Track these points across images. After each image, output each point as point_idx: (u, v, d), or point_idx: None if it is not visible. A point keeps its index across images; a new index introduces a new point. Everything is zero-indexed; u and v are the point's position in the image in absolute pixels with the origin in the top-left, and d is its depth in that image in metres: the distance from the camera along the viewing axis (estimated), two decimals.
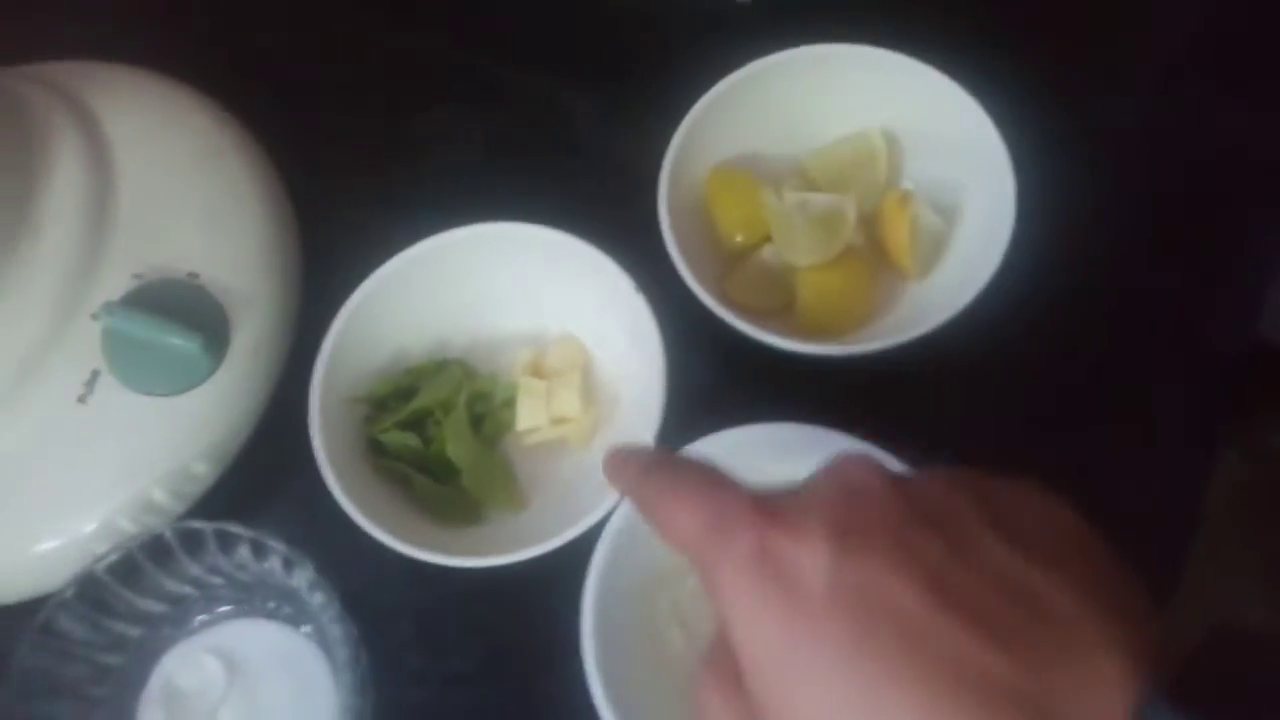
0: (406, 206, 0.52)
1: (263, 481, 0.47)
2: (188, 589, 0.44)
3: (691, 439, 0.39)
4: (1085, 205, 0.46)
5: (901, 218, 0.44)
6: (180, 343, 0.43)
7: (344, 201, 0.52)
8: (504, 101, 0.54)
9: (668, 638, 0.41)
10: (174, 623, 0.44)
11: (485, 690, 0.43)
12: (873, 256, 0.45)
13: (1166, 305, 0.46)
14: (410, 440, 0.43)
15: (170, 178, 0.48)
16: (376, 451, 0.44)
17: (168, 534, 0.41)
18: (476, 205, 0.46)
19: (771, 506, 0.23)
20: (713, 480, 0.25)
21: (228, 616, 0.45)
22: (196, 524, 0.40)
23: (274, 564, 0.41)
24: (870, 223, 0.46)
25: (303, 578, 0.40)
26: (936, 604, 0.20)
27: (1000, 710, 0.19)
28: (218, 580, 0.44)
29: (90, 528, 0.44)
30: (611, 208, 0.46)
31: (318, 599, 0.40)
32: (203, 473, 0.45)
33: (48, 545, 0.44)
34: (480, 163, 0.53)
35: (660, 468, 0.26)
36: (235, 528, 0.40)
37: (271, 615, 0.44)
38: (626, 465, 0.28)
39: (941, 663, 0.19)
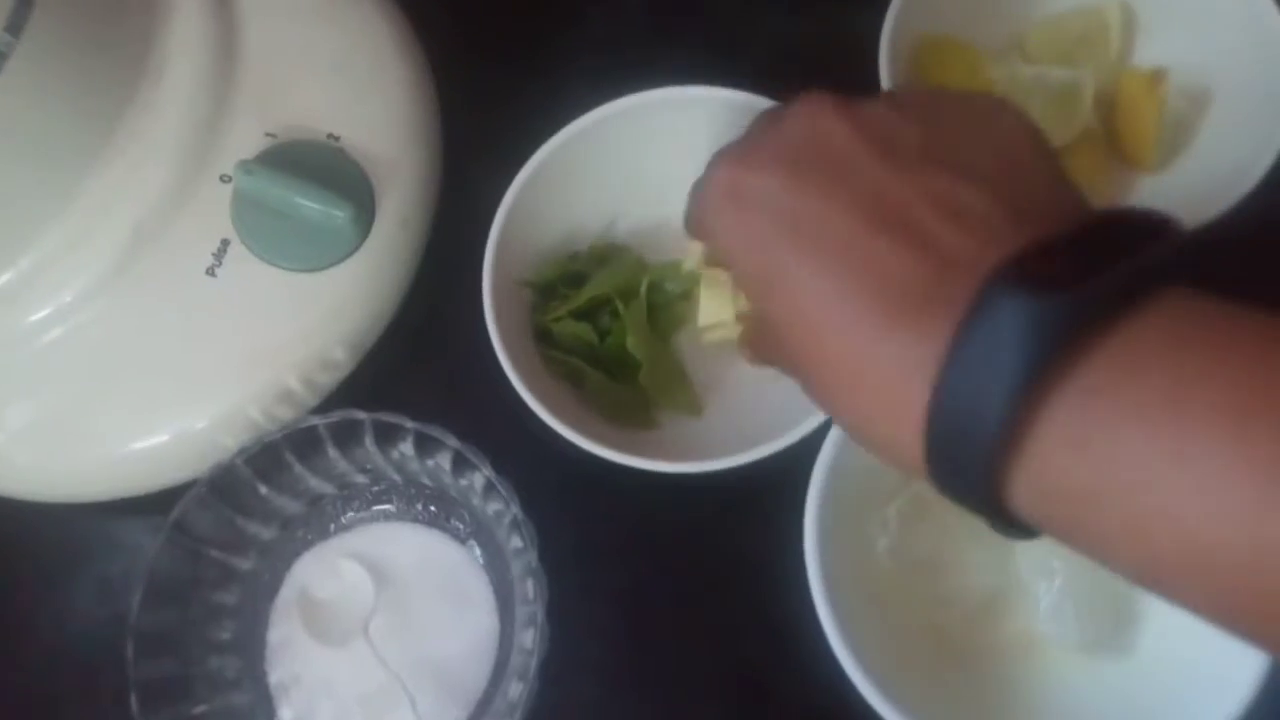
0: (553, 73, 0.46)
1: (397, 373, 0.42)
2: (329, 487, 0.39)
3: None
4: None
5: (1150, 101, 0.38)
6: (325, 211, 0.38)
7: (482, 68, 0.46)
8: None
9: (875, 558, 0.37)
10: (310, 524, 0.40)
11: (651, 605, 0.39)
12: (1106, 143, 0.40)
13: None
14: (585, 331, 0.38)
15: (300, 24, 0.42)
16: (545, 342, 0.39)
17: (320, 425, 0.36)
18: (631, 81, 0.40)
19: (741, 151, 0.27)
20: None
21: (371, 519, 0.40)
22: (356, 414, 0.36)
23: (441, 462, 0.36)
24: (1106, 104, 0.40)
25: (476, 479, 0.35)
26: (867, 220, 0.23)
27: (908, 303, 0.22)
28: (361, 479, 0.39)
29: (216, 417, 0.39)
30: (807, 77, 0.40)
31: (493, 504, 0.35)
32: (341, 359, 0.40)
33: (168, 434, 0.39)
34: (637, 30, 0.47)
35: None
36: (399, 419, 0.35)
37: (420, 519, 0.40)
38: None
39: (868, 272, 0.23)
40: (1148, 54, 0.42)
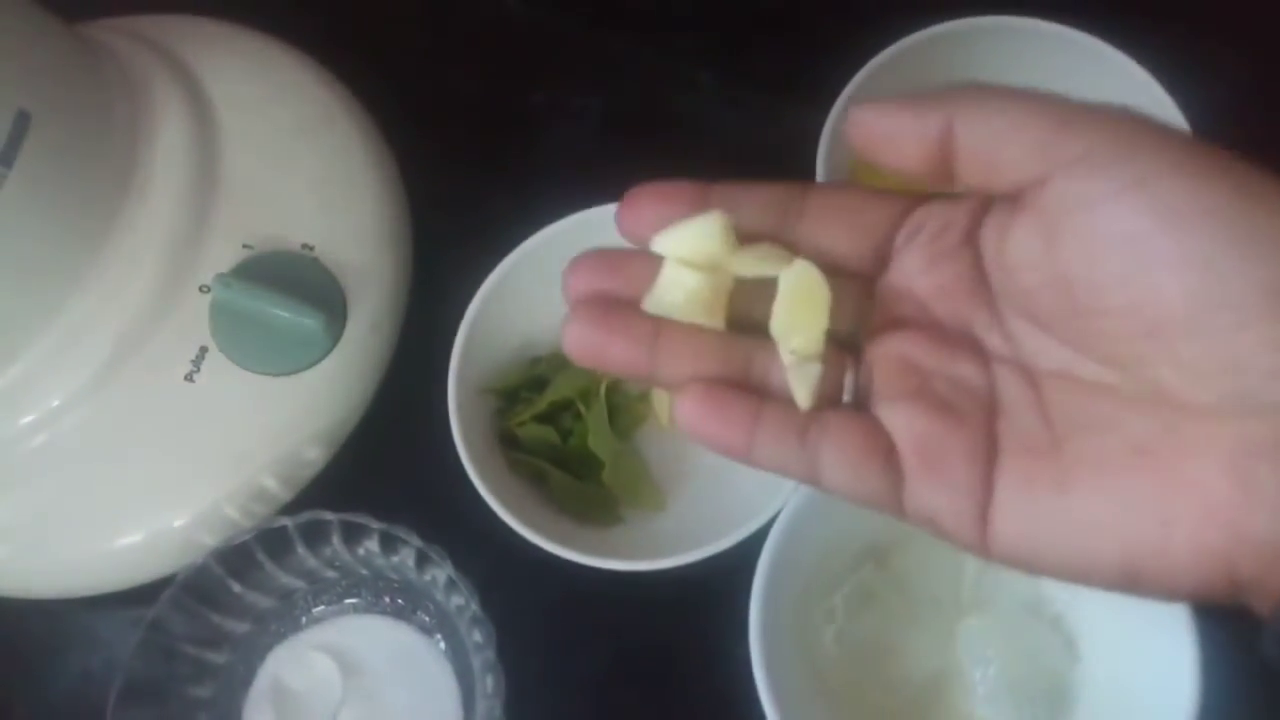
0: (518, 182, 0.49)
1: (367, 470, 0.44)
2: (300, 583, 0.41)
3: None
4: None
5: None
6: (298, 319, 0.40)
7: (450, 176, 0.49)
8: (622, 74, 0.51)
9: (821, 645, 0.38)
10: (282, 618, 0.41)
11: (615, 695, 0.41)
12: None
13: None
14: (548, 433, 0.40)
15: (279, 143, 0.45)
16: (510, 445, 0.41)
17: (289, 525, 0.38)
18: (592, 185, 0.43)
19: None
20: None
21: (340, 613, 0.42)
22: (323, 515, 0.38)
23: (405, 559, 0.38)
24: None
25: (439, 574, 0.37)
26: None
27: None
28: (332, 574, 0.41)
29: (193, 516, 0.41)
30: (754, 175, 0.43)
31: (455, 600, 0.37)
32: (314, 458, 0.42)
33: (147, 533, 0.41)
34: (596, 141, 0.50)
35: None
36: (364, 519, 0.37)
37: (387, 612, 0.41)
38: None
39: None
40: None
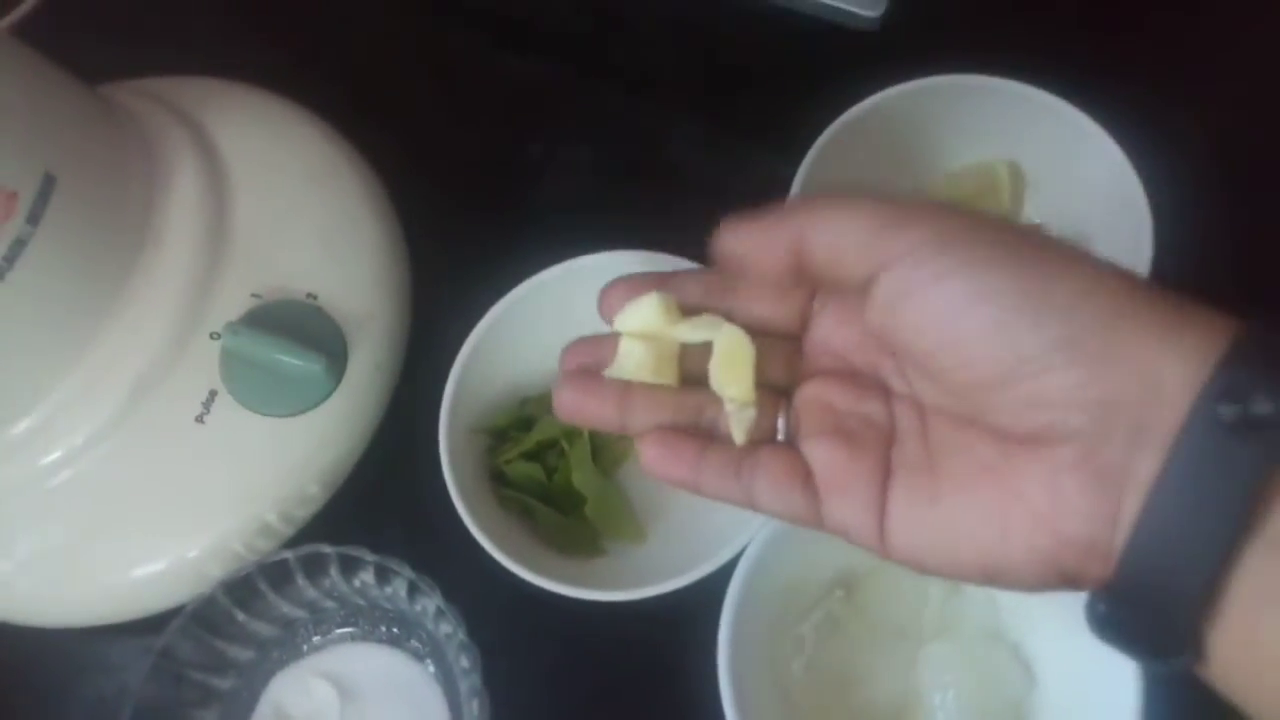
0: (513, 229, 0.52)
1: (366, 506, 0.47)
2: (300, 612, 0.43)
3: None
4: (1225, 251, 0.45)
5: None
6: (301, 364, 0.43)
7: (449, 225, 0.52)
8: (614, 129, 0.54)
9: (790, 672, 0.40)
10: (284, 646, 0.44)
11: None
12: None
13: None
14: (534, 470, 0.43)
15: (286, 196, 0.48)
16: (498, 481, 0.43)
17: (290, 557, 0.40)
18: (582, 232, 0.46)
19: None
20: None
21: (338, 641, 0.44)
22: (322, 548, 0.40)
23: (398, 589, 0.40)
24: None
25: (429, 604, 0.39)
26: None
27: None
28: (330, 604, 0.43)
29: (201, 550, 0.43)
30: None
31: (444, 628, 0.39)
32: (315, 494, 0.45)
33: (158, 566, 0.44)
34: (587, 189, 0.53)
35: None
36: (360, 552, 0.40)
37: (382, 640, 0.44)
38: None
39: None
40: (1037, 205, 0.47)
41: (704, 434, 0.29)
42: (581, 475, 0.42)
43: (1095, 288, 0.23)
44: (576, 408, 0.30)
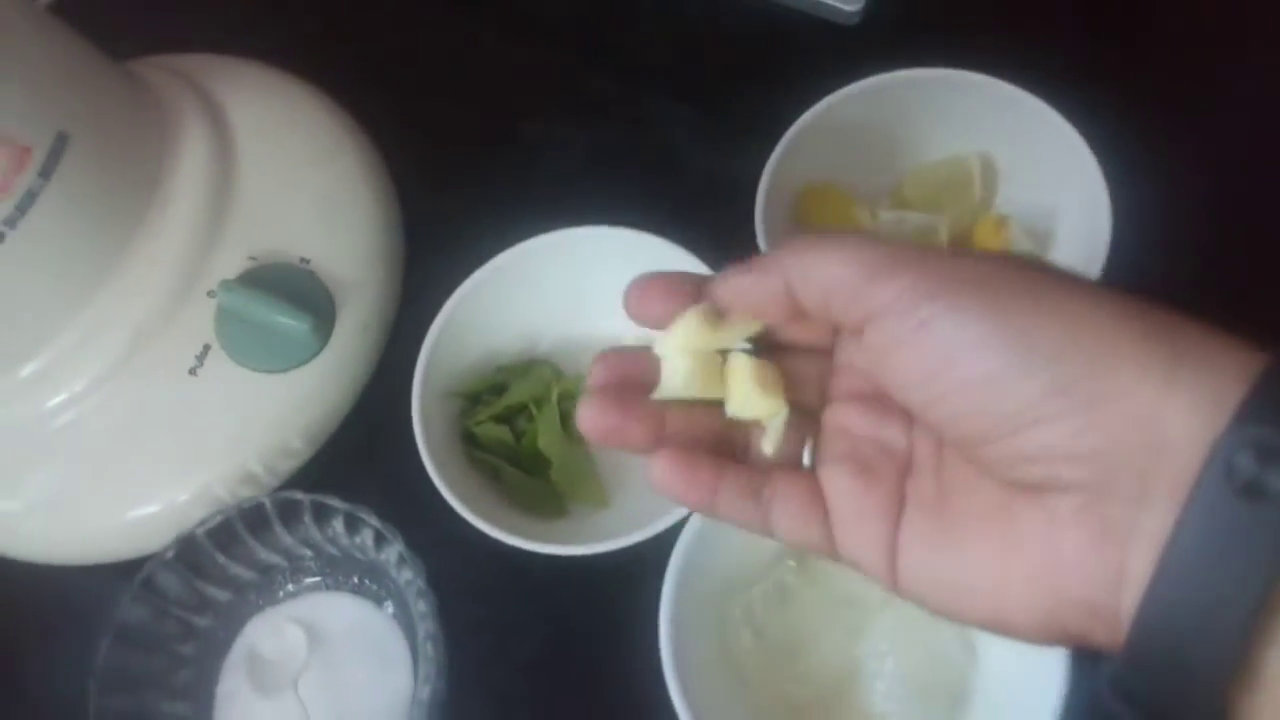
0: (506, 205, 0.53)
1: (349, 462, 0.49)
2: (278, 559, 0.46)
3: None
4: (1183, 235, 0.45)
5: (996, 242, 0.44)
6: (290, 322, 0.45)
7: (446, 199, 0.54)
8: (607, 114, 0.56)
9: (738, 637, 0.41)
10: (261, 591, 0.46)
11: (553, 675, 0.44)
12: None
13: (1274, 339, 0.46)
14: (503, 433, 0.44)
15: (288, 167, 0.50)
16: (470, 443, 0.45)
17: (267, 503, 0.43)
18: (574, 211, 0.47)
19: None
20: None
21: (313, 589, 0.46)
22: (295, 495, 0.42)
23: (365, 538, 0.42)
24: (961, 244, 0.46)
25: (392, 552, 0.41)
26: None
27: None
28: (307, 552, 0.46)
29: (189, 495, 0.46)
30: (705, 218, 0.47)
31: (405, 574, 0.41)
32: (299, 448, 0.47)
33: (149, 509, 0.46)
34: (580, 171, 0.55)
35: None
36: (332, 500, 0.42)
37: (355, 590, 0.46)
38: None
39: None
40: (1010, 200, 0.48)
41: (724, 450, 0.27)
42: (547, 439, 0.44)
43: (1083, 326, 0.22)
44: (612, 429, 0.26)
